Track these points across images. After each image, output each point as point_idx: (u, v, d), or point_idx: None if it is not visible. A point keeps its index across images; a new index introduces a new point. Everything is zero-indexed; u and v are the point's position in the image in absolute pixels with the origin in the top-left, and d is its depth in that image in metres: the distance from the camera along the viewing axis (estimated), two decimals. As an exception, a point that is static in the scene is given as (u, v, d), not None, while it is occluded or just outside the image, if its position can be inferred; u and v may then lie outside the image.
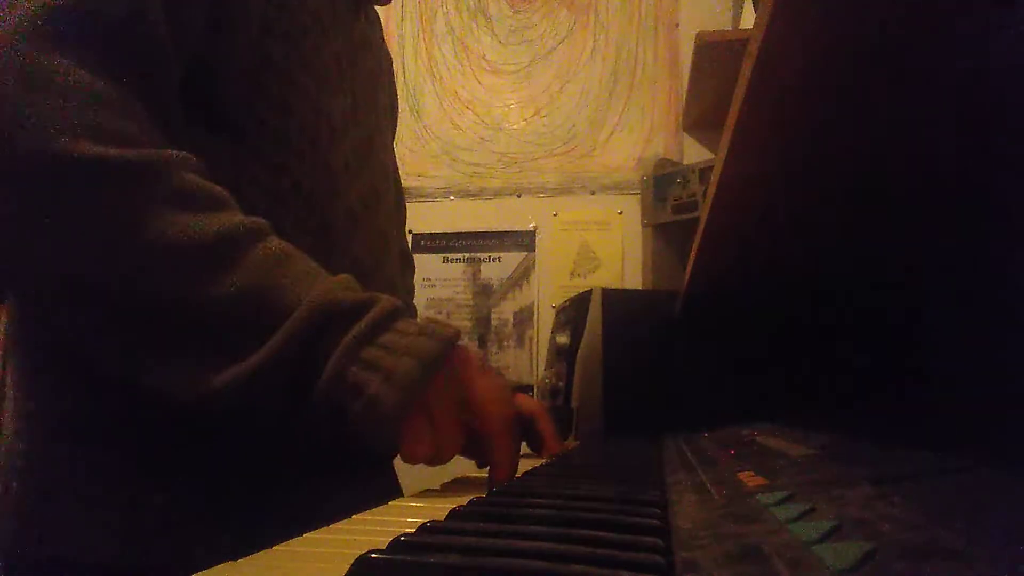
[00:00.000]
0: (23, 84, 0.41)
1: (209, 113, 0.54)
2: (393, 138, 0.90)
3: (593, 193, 1.91)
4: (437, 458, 0.47)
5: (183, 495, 0.52)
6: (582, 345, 1.10)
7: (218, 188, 0.48)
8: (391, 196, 0.79)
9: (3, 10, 0.43)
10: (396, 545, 0.26)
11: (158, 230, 0.42)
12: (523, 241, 1.93)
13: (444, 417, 0.47)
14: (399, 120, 0.84)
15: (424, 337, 0.46)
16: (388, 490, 0.74)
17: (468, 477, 0.60)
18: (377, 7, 0.81)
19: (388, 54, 0.88)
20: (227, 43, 0.54)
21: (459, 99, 2.01)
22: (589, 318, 1.11)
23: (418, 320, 0.50)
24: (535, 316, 1.89)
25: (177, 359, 0.44)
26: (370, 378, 0.43)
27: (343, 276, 0.48)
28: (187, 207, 0.44)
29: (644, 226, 1.82)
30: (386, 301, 0.47)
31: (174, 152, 0.46)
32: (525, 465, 0.59)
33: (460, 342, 0.49)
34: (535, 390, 1.65)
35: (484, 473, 0.54)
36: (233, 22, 0.54)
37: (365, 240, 0.68)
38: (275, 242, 0.48)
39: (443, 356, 0.46)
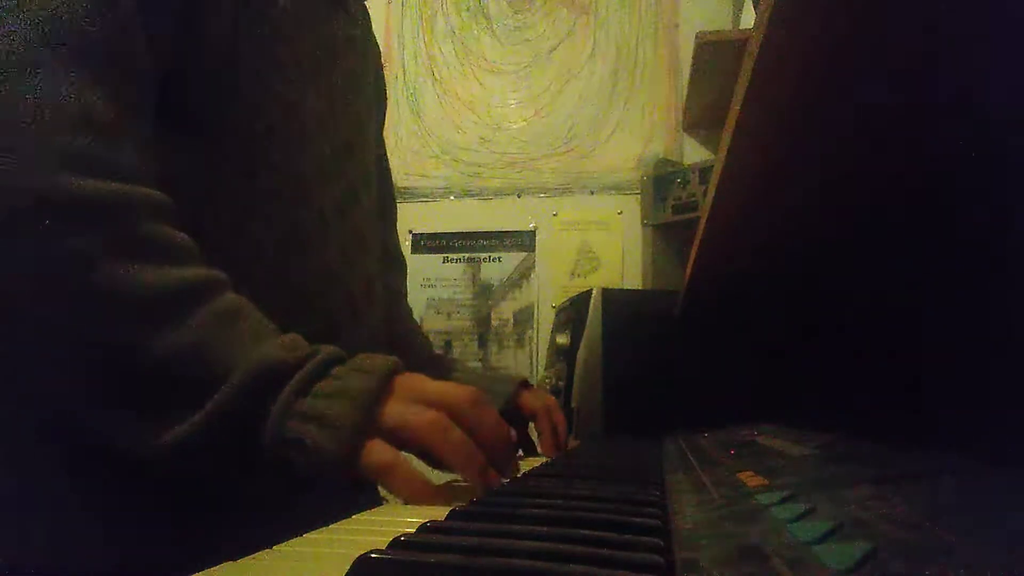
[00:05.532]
0: (12, 107, 0.41)
1: (175, 114, 0.53)
2: (381, 132, 0.88)
3: (593, 193, 1.91)
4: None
5: (144, 509, 0.50)
6: (582, 345, 1.10)
7: (181, 237, 0.47)
8: (371, 198, 0.77)
9: None
10: (396, 545, 0.26)
11: (113, 277, 0.42)
12: (523, 241, 1.93)
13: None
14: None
15: (356, 374, 0.46)
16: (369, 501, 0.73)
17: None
18: (367, 1, 0.80)
19: (376, 49, 0.86)
20: (195, 43, 0.53)
21: (459, 99, 2.01)
22: (589, 318, 1.11)
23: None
24: (535, 316, 1.89)
25: (119, 412, 0.44)
26: (306, 429, 0.44)
27: (289, 336, 0.48)
28: (146, 257, 0.44)
29: (644, 226, 1.82)
30: (325, 352, 0.47)
31: (147, 193, 0.45)
32: (525, 465, 0.59)
33: (398, 372, 0.48)
34: (535, 390, 1.65)
35: None
36: (202, 22, 0.53)
37: (338, 243, 0.67)
38: (227, 299, 0.47)
39: (377, 390, 0.46)
